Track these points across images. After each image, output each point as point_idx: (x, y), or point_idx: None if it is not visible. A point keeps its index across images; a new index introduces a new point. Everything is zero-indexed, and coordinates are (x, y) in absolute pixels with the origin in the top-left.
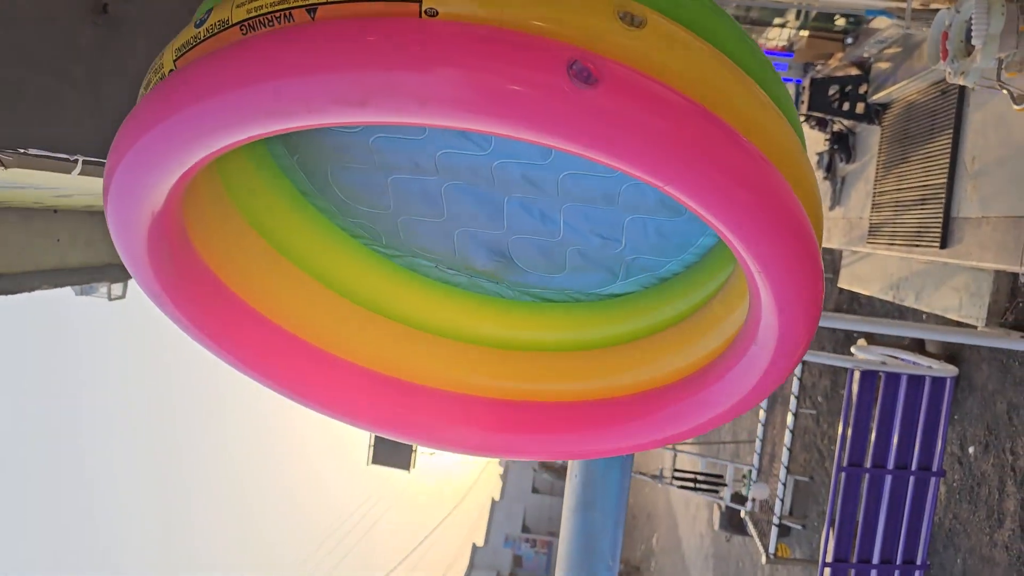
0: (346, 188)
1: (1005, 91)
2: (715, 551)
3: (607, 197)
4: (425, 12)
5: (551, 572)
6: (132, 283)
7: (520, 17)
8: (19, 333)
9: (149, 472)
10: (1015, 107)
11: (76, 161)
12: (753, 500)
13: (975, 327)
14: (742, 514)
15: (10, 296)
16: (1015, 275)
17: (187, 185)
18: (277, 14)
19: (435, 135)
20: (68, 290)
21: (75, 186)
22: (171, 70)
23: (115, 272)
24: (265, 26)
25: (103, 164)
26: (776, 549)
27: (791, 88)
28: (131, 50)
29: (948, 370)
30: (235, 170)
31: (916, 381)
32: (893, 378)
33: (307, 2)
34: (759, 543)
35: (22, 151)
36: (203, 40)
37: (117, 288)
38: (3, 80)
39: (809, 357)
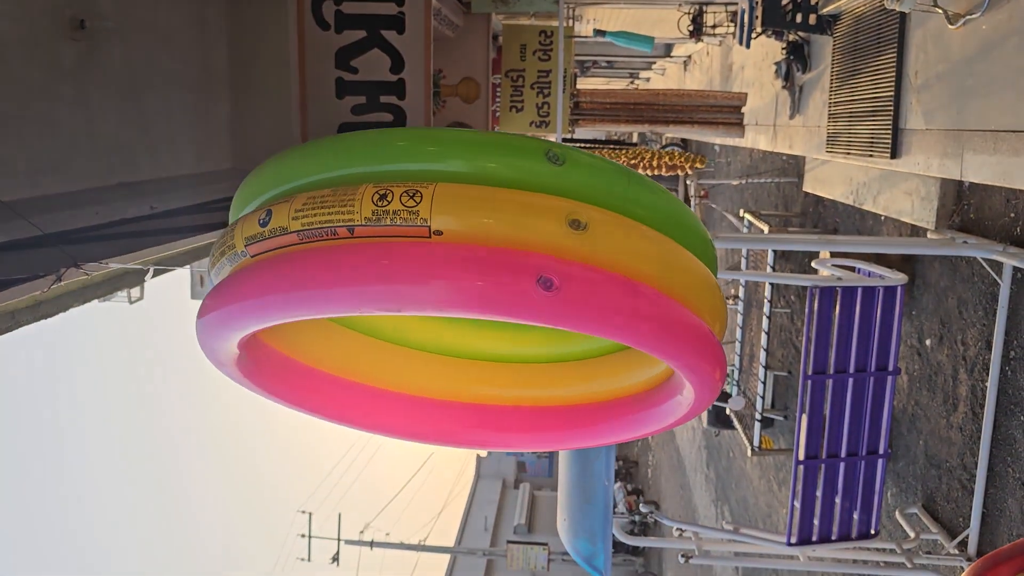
0: None
1: (940, 11)
2: (707, 443)
3: None
4: (434, 233)
5: (553, 474)
6: (148, 284)
7: (499, 232)
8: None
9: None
10: (950, 26)
11: (148, 271)
12: (732, 413)
13: (927, 229)
14: (727, 411)
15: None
16: (961, 181)
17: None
18: (325, 230)
19: None
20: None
21: None
22: (242, 251)
23: (133, 278)
24: (316, 238)
25: (169, 269)
26: (760, 442)
27: (745, 1)
28: (111, 62)
29: (898, 279)
30: None
31: (870, 292)
32: (849, 291)
33: (349, 223)
34: (744, 437)
35: (102, 263)
36: (268, 238)
37: (136, 291)
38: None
39: (773, 279)
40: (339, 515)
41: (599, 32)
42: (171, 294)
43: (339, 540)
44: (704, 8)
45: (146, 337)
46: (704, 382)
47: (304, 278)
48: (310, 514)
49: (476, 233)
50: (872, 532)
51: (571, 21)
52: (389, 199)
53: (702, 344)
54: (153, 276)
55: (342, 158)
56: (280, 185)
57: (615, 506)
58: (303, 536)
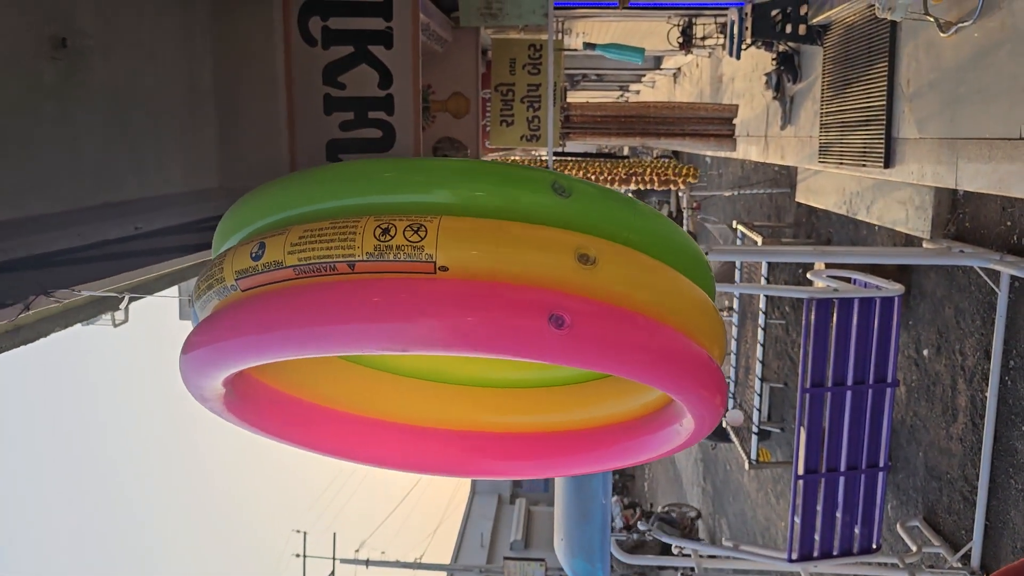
0: None
1: (932, 20)
2: (704, 456)
3: None
4: (439, 269)
5: (549, 488)
6: (133, 307)
7: (507, 268)
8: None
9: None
10: (942, 35)
11: (123, 297)
12: (729, 427)
13: (922, 239)
14: (723, 424)
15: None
16: (955, 190)
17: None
18: (323, 265)
19: None
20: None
21: None
22: (232, 284)
23: (116, 301)
24: (314, 273)
25: (143, 295)
26: (758, 454)
27: (734, 13)
28: (95, 80)
29: (895, 289)
30: None
31: (867, 303)
32: (846, 303)
33: (349, 259)
34: (741, 450)
35: (74, 290)
36: (261, 272)
37: (120, 315)
38: None
39: (768, 291)
40: (334, 534)
41: (589, 45)
42: (157, 316)
43: (334, 559)
44: (694, 20)
45: (127, 361)
46: (706, 414)
47: (304, 315)
48: (305, 533)
49: (483, 269)
50: (874, 546)
51: (561, 34)
52: (392, 233)
53: (708, 378)
54: (128, 303)
55: (339, 189)
56: (268, 216)
57: (611, 520)
58: (297, 556)
